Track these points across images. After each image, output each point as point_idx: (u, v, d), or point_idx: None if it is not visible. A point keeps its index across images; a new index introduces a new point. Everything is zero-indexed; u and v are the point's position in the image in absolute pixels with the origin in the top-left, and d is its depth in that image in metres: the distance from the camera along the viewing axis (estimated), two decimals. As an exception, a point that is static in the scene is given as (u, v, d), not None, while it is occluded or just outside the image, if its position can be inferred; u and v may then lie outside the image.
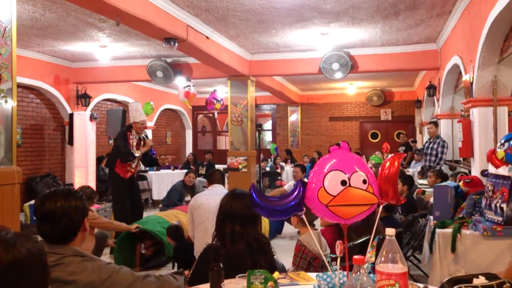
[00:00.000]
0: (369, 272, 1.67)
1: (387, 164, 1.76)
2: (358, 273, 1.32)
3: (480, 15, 4.92)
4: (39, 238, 1.30)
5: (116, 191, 6.38)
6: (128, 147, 6.15)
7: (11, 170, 3.38)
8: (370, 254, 1.72)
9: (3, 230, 1.21)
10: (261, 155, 9.64)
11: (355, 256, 1.35)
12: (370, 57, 8.42)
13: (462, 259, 3.60)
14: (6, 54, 3.33)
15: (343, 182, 1.68)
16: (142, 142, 6.43)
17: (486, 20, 4.63)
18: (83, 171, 8.93)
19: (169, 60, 9.10)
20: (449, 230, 3.67)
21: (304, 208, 1.76)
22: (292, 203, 1.75)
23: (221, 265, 1.99)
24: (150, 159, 6.75)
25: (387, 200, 1.75)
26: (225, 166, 9.23)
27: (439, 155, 7.39)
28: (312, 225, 3.89)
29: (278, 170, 11.16)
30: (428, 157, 7.57)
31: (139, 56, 9.03)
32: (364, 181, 1.69)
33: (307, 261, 3.38)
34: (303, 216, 1.76)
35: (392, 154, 1.84)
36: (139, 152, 6.30)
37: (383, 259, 1.61)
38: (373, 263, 1.65)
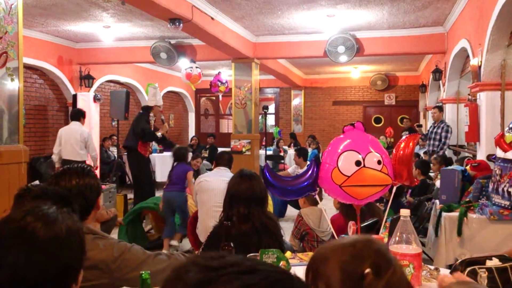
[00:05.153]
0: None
1: (402, 145, 1.74)
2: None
3: (491, -3, 4.85)
4: None
5: (140, 168, 6.90)
6: (152, 129, 7.03)
7: (18, 149, 3.37)
8: (383, 234, 1.71)
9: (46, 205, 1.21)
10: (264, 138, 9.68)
11: (375, 236, 1.34)
12: (376, 40, 8.33)
13: (468, 243, 3.61)
14: (13, 32, 3.29)
15: (358, 163, 1.67)
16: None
17: (497, 2, 4.57)
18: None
19: (173, 41, 9.02)
20: (455, 214, 3.67)
21: (318, 188, 1.75)
22: (306, 183, 1.74)
23: (232, 245, 1.99)
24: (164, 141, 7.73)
25: (401, 181, 1.73)
26: (228, 149, 9.22)
27: (443, 139, 7.35)
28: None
29: (282, 154, 11.14)
30: (432, 142, 7.54)
31: (143, 37, 8.95)
32: (379, 162, 1.68)
33: (301, 232, 3.39)
34: (317, 196, 1.75)
35: (407, 135, 1.81)
36: (160, 134, 7.13)
37: (397, 239, 1.61)
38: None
